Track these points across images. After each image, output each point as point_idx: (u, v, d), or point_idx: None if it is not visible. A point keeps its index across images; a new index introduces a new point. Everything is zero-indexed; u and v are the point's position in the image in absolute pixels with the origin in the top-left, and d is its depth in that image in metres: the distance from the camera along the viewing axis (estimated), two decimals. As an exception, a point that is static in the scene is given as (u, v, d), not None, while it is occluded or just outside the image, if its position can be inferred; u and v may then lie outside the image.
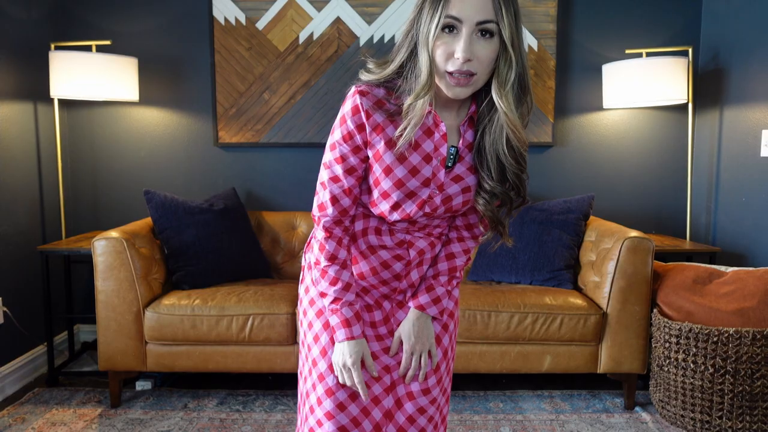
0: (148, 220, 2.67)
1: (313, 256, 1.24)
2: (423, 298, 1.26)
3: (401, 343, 1.26)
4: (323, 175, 1.18)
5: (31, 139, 2.82)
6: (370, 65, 1.16)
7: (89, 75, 2.66)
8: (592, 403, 2.51)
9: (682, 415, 2.24)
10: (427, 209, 1.18)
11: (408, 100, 1.07)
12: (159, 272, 2.52)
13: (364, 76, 1.15)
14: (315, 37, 3.02)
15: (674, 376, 2.24)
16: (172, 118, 3.10)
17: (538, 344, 2.41)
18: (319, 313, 1.25)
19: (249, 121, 3.07)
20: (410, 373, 1.25)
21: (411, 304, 1.27)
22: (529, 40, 3.03)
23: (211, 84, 3.06)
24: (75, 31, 3.03)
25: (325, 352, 1.22)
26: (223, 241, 2.65)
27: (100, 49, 2.85)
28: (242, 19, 3.02)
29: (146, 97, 3.05)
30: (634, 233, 2.39)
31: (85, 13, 3.04)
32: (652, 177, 3.14)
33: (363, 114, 1.11)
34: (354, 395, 1.21)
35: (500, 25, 1.02)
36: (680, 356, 2.21)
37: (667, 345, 2.26)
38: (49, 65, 2.69)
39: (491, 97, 1.09)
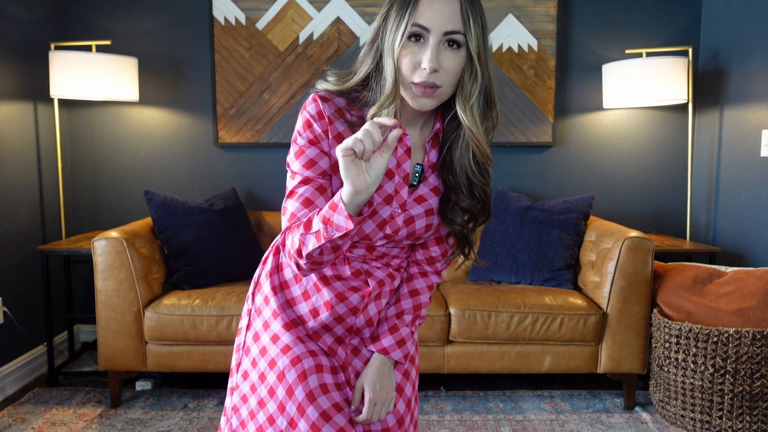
0: (148, 220, 2.67)
1: (286, 257, 1.09)
2: (386, 341, 1.16)
3: (362, 395, 1.14)
4: (290, 184, 1.06)
5: (31, 139, 2.82)
6: (330, 77, 1.09)
7: (89, 75, 2.66)
8: (592, 403, 2.51)
9: (682, 415, 2.24)
10: (389, 230, 1.09)
11: (371, 111, 1.01)
12: (159, 272, 2.52)
13: (323, 85, 1.09)
14: (315, 37, 3.02)
15: (674, 376, 2.24)
16: (172, 118, 3.10)
17: (538, 344, 2.41)
18: (275, 339, 1.12)
19: (249, 121, 3.07)
20: (372, 423, 1.15)
21: (372, 348, 1.16)
22: (529, 40, 3.03)
23: (211, 84, 3.06)
24: (75, 31, 3.03)
25: (305, 376, 1.09)
26: (223, 241, 2.65)
27: (100, 49, 2.85)
28: (242, 19, 3.02)
29: (146, 97, 3.05)
30: (634, 233, 2.40)
31: (85, 13, 3.04)
32: (652, 177, 3.14)
33: (326, 120, 1.04)
34: None
35: (467, 37, 0.99)
36: (680, 356, 2.21)
37: (667, 345, 2.26)
38: (49, 65, 2.69)
39: (455, 111, 1.05)
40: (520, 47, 3.03)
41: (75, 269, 3.06)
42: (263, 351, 1.14)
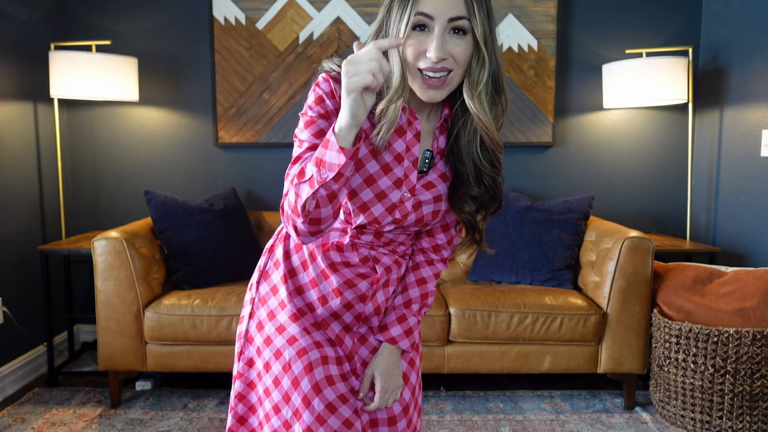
0: (148, 220, 2.67)
1: (285, 221, 1.05)
2: (395, 330, 1.17)
3: (371, 383, 1.15)
4: (297, 152, 1.04)
5: (31, 139, 2.82)
6: (338, 60, 1.08)
7: (89, 75, 2.66)
8: (592, 403, 2.51)
9: (682, 415, 2.24)
10: (397, 215, 1.09)
11: (380, 105, 0.99)
12: (159, 272, 2.52)
13: (330, 64, 1.07)
14: (315, 37, 3.03)
15: (674, 376, 2.24)
16: (172, 118, 3.10)
17: (538, 344, 2.41)
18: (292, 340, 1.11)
19: (249, 121, 3.07)
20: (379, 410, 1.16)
21: (380, 337, 1.17)
22: (529, 40, 3.03)
23: (211, 84, 3.06)
24: (75, 31, 3.03)
25: (311, 368, 1.09)
26: (223, 241, 2.65)
27: (100, 49, 2.85)
28: (242, 19, 3.02)
29: (146, 97, 3.05)
30: (634, 233, 2.40)
31: (85, 13, 3.04)
32: (652, 177, 3.14)
33: (338, 99, 1.02)
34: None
35: (472, 22, 0.98)
36: (680, 356, 2.21)
37: (667, 345, 2.26)
38: (49, 65, 2.69)
39: (464, 98, 1.04)
40: (520, 47, 3.03)
41: (75, 269, 3.06)
42: (268, 341, 1.14)
